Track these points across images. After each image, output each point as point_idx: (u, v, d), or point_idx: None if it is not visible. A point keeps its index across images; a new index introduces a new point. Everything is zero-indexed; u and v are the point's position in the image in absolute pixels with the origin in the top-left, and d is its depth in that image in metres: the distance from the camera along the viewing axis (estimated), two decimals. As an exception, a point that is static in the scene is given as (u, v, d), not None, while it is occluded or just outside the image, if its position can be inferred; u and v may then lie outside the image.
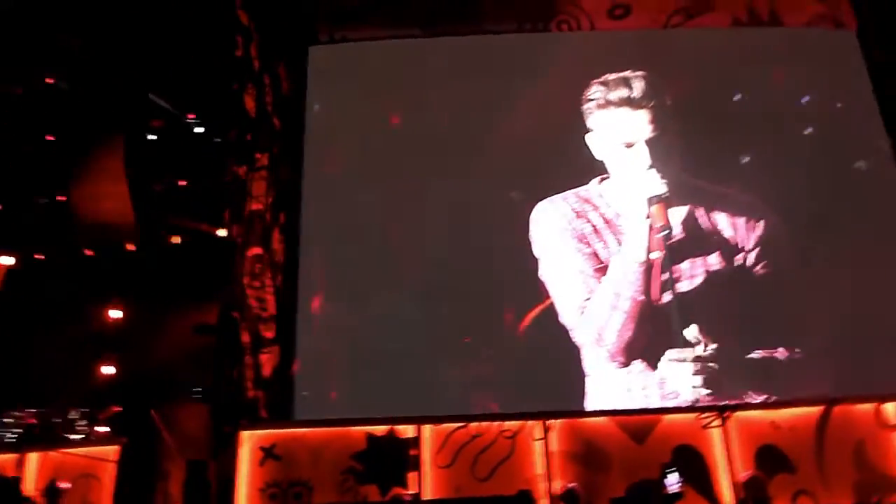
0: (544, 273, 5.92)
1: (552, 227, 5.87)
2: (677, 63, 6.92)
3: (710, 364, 5.61)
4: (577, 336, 5.75)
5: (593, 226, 5.76)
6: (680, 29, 7.34)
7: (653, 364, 5.61)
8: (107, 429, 7.13)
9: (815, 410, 5.62)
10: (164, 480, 6.14)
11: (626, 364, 5.63)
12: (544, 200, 6.01)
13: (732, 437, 5.52)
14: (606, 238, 5.75)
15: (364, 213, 6.65)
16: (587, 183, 6.05)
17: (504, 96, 6.87)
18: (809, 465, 5.48)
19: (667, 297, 5.45)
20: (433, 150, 6.81)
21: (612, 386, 5.73)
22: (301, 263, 6.55)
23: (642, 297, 5.36)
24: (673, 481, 2.14)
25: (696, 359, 5.58)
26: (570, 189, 6.07)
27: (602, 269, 5.65)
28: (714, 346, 5.60)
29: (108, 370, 7.22)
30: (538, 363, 5.96)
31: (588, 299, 5.63)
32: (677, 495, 2.39)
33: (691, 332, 5.15)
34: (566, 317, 5.80)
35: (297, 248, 6.59)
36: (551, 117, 6.47)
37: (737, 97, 7.01)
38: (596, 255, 5.72)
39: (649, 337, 5.45)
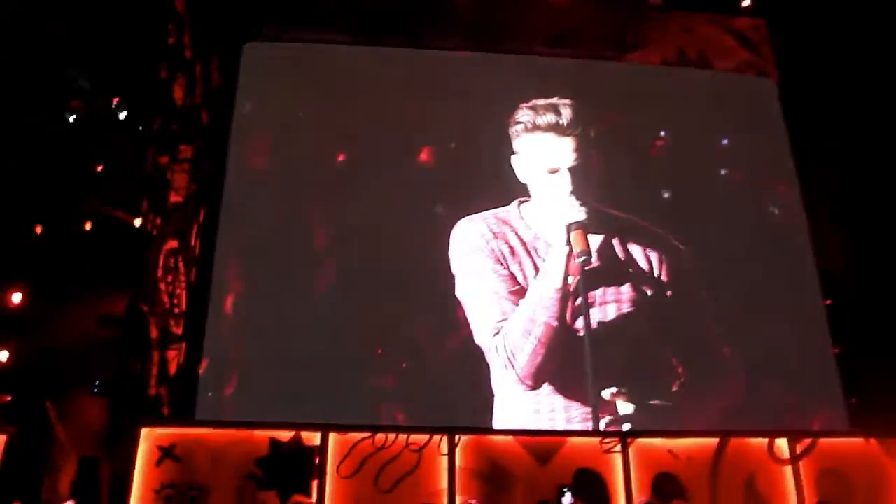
0: (460, 292, 5.90)
1: (470, 245, 5.84)
2: (606, 95, 7.13)
3: (618, 391, 5.72)
4: (490, 357, 5.74)
5: (511, 247, 5.77)
6: (612, 63, 7.56)
7: (561, 389, 5.65)
8: (-5, 417, 6.77)
9: (712, 442, 5.80)
10: (53, 475, 5.89)
11: (534, 388, 5.64)
12: (464, 219, 5.99)
13: (632, 463, 5.65)
14: (523, 261, 5.79)
15: (285, 216, 6.57)
16: (508, 204, 6.07)
17: (435, 110, 6.93)
18: (703, 494, 5.65)
19: (580, 323, 5.51)
20: (359, 159, 6.80)
21: (519, 408, 5.75)
22: (216, 261, 6.42)
23: (556, 324, 5.37)
24: (567, 502, 2.18)
25: (604, 388, 5.65)
26: (490, 209, 6.07)
27: (517, 292, 5.66)
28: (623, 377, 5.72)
29: (3, 355, 6.88)
30: (449, 380, 5.98)
31: (502, 321, 5.60)
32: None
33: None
34: (479, 337, 5.78)
35: (214, 245, 6.45)
36: (480, 136, 6.56)
37: (662, 134, 7.27)
38: (512, 276, 5.72)
39: (560, 362, 5.49)
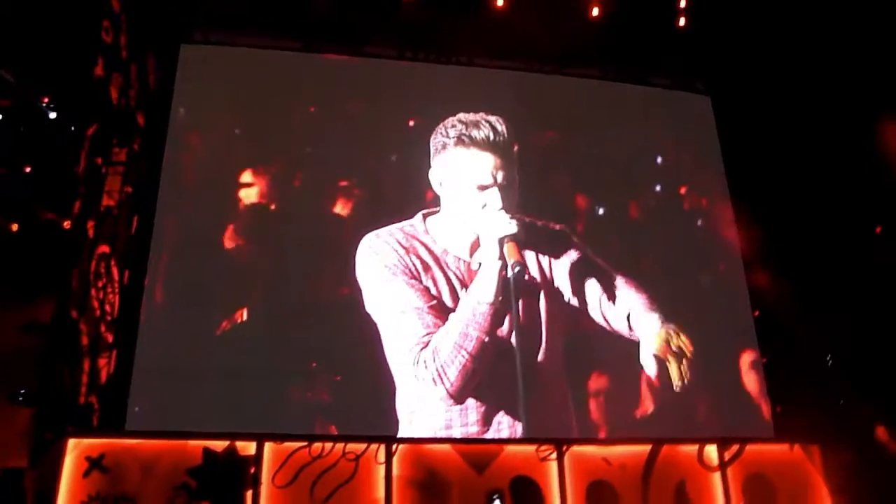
0: (372, 307, 5.68)
1: (381, 260, 5.60)
2: (541, 109, 7.26)
3: (547, 403, 5.76)
4: (416, 372, 5.46)
5: (423, 261, 5.62)
6: (550, 77, 7.68)
7: (489, 402, 5.53)
8: None
9: (645, 449, 5.94)
10: (-27, 488, 5.65)
11: (459, 402, 5.48)
12: (371, 234, 5.75)
13: (567, 471, 5.74)
14: (436, 275, 5.63)
15: (218, 224, 6.47)
16: (412, 217, 5.85)
17: (374, 120, 6.94)
18: (636, 501, 5.78)
19: (512, 337, 5.49)
20: (295, 169, 6.76)
21: (447, 422, 5.60)
22: (149, 268, 6.28)
23: (488, 338, 5.32)
24: (497, 506, 2.22)
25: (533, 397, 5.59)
26: (393, 222, 5.84)
27: (435, 307, 5.50)
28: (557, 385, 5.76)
29: (-81, 364, 6.56)
30: (382, 394, 5.86)
31: (427, 335, 5.42)
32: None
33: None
34: (399, 353, 5.54)
35: (147, 251, 6.30)
36: (408, 146, 6.53)
37: (595, 149, 7.42)
38: (427, 290, 5.53)
39: (491, 376, 5.45)
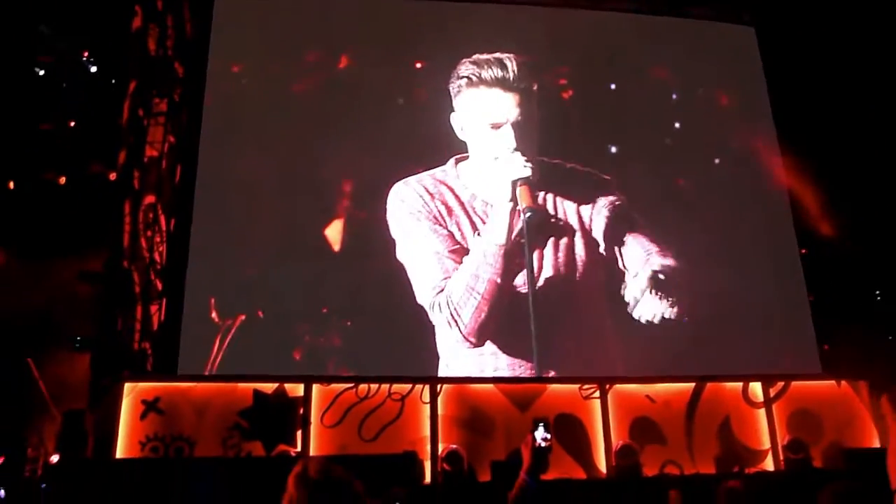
0: (400, 254, 5.86)
1: (407, 208, 5.78)
2: (562, 47, 7.06)
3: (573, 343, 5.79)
4: (433, 316, 5.71)
5: (448, 207, 5.71)
6: (572, 12, 7.44)
7: (505, 347, 5.69)
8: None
9: (688, 387, 5.94)
10: (38, 431, 5.91)
11: (478, 345, 5.64)
12: (399, 182, 5.93)
13: (610, 409, 5.77)
14: (461, 220, 5.73)
15: (261, 172, 6.49)
16: (444, 164, 5.99)
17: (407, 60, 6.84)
18: (679, 437, 5.81)
19: (524, 280, 5.51)
20: (328, 113, 6.74)
21: (463, 368, 5.79)
22: (195, 215, 6.35)
23: (500, 280, 5.36)
24: (542, 434, 2.25)
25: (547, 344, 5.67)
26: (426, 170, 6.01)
27: (458, 251, 5.62)
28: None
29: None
30: (394, 341, 5.98)
31: (445, 279, 5.58)
32: (547, 448, 2.51)
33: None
34: (421, 297, 5.76)
35: (192, 199, 6.37)
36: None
37: (612, 86, 7.22)
38: (451, 236, 5.67)
39: (504, 319, 5.50)
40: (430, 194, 5.80)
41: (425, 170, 6.07)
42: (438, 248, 5.61)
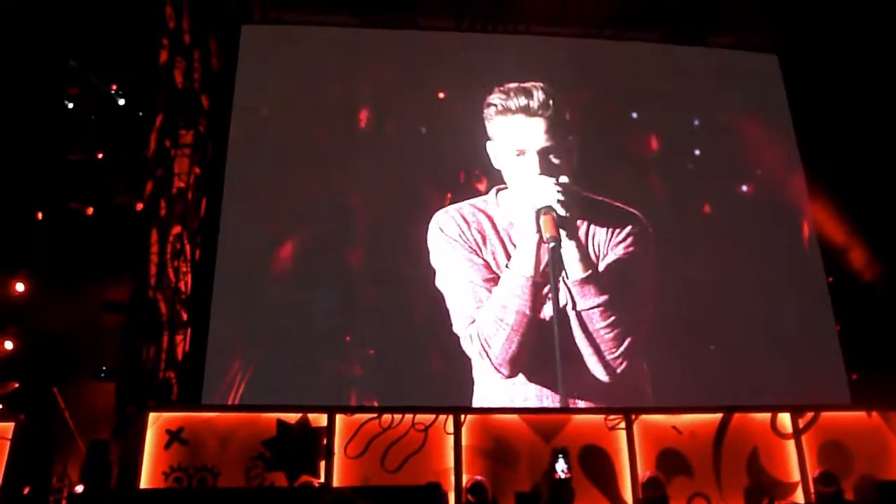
0: (439, 283, 5.86)
1: (445, 237, 5.80)
2: (588, 74, 7.09)
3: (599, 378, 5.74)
4: (465, 346, 5.73)
5: (484, 236, 5.72)
6: (604, 42, 7.50)
7: (534, 377, 5.65)
8: (0, 406, 6.81)
9: (715, 417, 5.84)
10: (63, 461, 5.93)
11: (511, 375, 5.63)
12: (440, 211, 5.96)
13: (636, 440, 5.68)
14: (496, 249, 5.72)
15: (287, 200, 6.56)
16: (471, 192, 6.15)
17: (432, 97, 6.91)
18: (706, 469, 5.70)
19: (551, 310, 5.45)
20: (353, 144, 6.79)
21: (495, 397, 5.78)
22: (220, 245, 6.42)
23: (529, 312, 5.35)
24: (562, 466, 2.22)
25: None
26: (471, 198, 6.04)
27: (492, 280, 5.61)
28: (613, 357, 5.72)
29: (8, 345, 6.89)
30: (432, 371, 6.00)
31: (478, 309, 5.59)
32: (567, 480, 2.49)
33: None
34: (456, 327, 5.76)
35: (217, 229, 6.45)
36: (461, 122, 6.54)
37: (633, 115, 7.23)
38: (487, 265, 5.66)
39: (534, 350, 5.47)
40: (468, 223, 5.81)
41: (449, 197, 6.24)
42: (473, 277, 5.62)
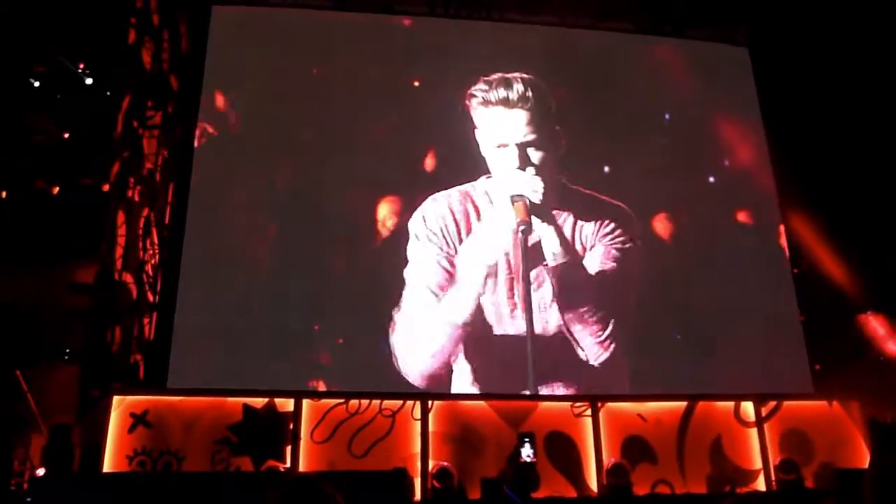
0: (407, 274, 6.06)
1: (426, 228, 6.02)
2: (566, 66, 7.09)
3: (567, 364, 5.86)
4: (428, 332, 5.89)
5: (469, 222, 5.92)
6: (585, 31, 7.50)
7: (501, 364, 5.83)
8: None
9: (680, 405, 5.92)
10: (24, 444, 5.86)
11: (473, 362, 5.86)
12: (430, 197, 6.13)
13: (602, 427, 5.75)
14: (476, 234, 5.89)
15: (257, 185, 6.50)
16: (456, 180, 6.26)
17: (404, 83, 6.89)
18: (670, 456, 5.78)
19: (518, 296, 5.61)
20: (324, 129, 6.76)
21: (458, 382, 5.95)
22: (187, 229, 6.32)
23: (493, 296, 5.53)
24: (528, 451, 2.22)
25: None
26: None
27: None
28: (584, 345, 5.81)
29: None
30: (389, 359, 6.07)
31: (443, 294, 5.79)
32: (531, 465, 2.51)
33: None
34: (423, 314, 5.96)
35: (185, 212, 6.35)
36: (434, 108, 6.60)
37: (606, 105, 7.26)
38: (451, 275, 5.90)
39: (500, 336, 5.63)
40: (452, 210, 6.00)
41: (422, 187, 6.25)
42: (445, 263, 5.75)
